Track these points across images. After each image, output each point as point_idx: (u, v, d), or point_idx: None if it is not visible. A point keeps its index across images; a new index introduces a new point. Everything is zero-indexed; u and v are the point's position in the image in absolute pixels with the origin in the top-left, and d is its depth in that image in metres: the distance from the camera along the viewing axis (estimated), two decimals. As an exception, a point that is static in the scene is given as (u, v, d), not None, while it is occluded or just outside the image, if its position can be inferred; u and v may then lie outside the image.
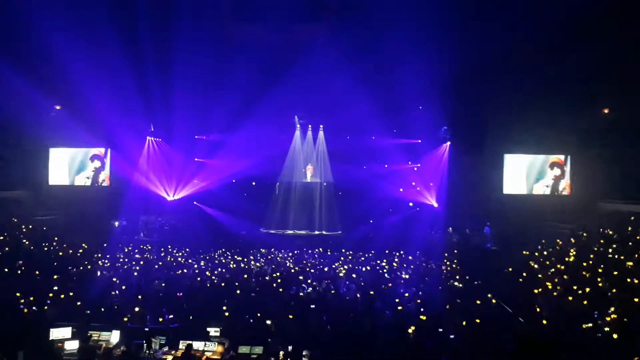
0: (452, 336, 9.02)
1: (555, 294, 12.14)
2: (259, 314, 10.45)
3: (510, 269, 15.60)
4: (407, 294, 12.72)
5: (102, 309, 10.86)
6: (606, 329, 9.01)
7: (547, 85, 19.19)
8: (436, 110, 21.03)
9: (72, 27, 17.27)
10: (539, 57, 18.61)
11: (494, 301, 11.32)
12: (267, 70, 20.13)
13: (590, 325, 9.31)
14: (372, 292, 12.62)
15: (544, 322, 9.98)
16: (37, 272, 13.79)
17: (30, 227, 18.98)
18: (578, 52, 17.40)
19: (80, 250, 17.42)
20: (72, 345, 8.67)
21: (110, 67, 19.28)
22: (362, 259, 18.50)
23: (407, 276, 15.11)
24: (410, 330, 9.39)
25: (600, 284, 12.40)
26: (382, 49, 19.03)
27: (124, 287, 12.49)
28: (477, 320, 9.71)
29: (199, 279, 14.26)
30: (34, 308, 10.61)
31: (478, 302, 11.36)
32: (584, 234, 17.73)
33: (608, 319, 9.54)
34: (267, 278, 14.50)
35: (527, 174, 22.46)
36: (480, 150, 21.42)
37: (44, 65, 18.28)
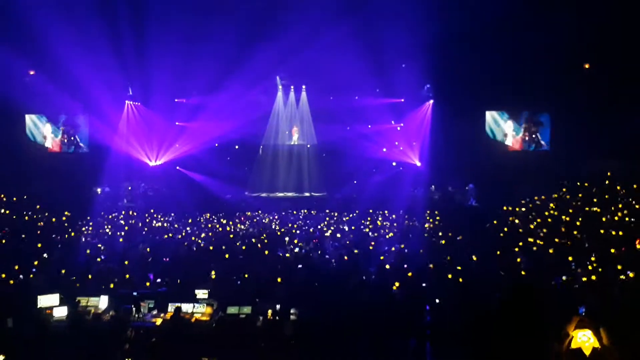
0: (434, 293, 9.24)
1: (534, 248, 12.50)
2: (246, 275, 10.59)
3: (495, 222, 15.96)
4: (392, 249, 12.99)
5: (89, 276, 10.88)
6: (583, 279, 9.34)
7: (529, 42, 19.11)
8: (419, 69, 20.85)
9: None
10: (521, 13, 18.45)
11: (474, 258, 11.59)
12: (247, 30, 19.63)
13: (567, 278, 9.61)
14: (356, 251, 12.85)
15: (523, 273, 10.30)
16: (20, 241, 13.70)
17: (14, 198, 18.71)
18: (561, 8, 17.32)
19: (64, 218, 17.30)
20: (61, 312, 8.72)
21: (86, 29, 18.62)
22: (347, 218, 18.72)
23: (391, 234, 15.37)
24: (394, 287, 9.61)
25: (578, 237, 12.78)
26: (365, 7, 18.67)
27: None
28: (460, 279, 9.94)
29: (185, 243, 14.33)
30: (20, 276, 10.60)
31: (462, 259, 11.62)
32: (564, 189, 18.12)
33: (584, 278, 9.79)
34: (253, 240, 14.63)
35: (507, 130, 22.70)
36: (462, 107, 21.44)
37: (17, 28, 17.58)
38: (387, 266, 11.33)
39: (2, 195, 18.63)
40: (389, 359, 7.48)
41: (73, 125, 23.24)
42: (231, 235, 15.06)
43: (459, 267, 10.88)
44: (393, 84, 22.09)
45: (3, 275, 10.48)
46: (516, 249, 12.45)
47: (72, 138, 23.19)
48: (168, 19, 18.94)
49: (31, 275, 10.69)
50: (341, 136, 22.88)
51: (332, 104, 23.59)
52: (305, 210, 20.75)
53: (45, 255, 12.38)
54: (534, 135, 22.57)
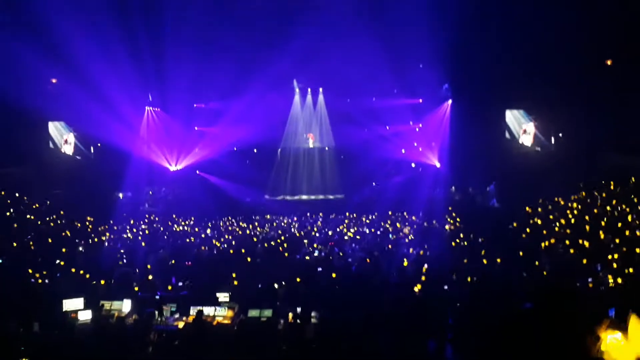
0: (455, 295, 9.14)
1: (561, 247, 12.25)
2: (266, 278, 10.61)
3: (515, 224, 15.70)
4: (412, 251, 12.90)
5: (112, 280, 11.03)
6: (610, 280, 9.13)
7: (547, 39, 18.83)
8: (437, 68, 20.69)
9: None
10: (539, 11, 18.20)
11: (498, 260, 11.41)
12: (263, 36, 19.76)
13: (593, 279, 9.40)
14: (376, 253, 12.77)
15: (544, 273, 10.12)
16: (45, 246, 13.94)
17: (36, 205, 19.07)
18: (579, 5, 17.07)
19: (87, 223, 17.57)
20: (85, 316, 8.83)
21: (105, 38, 18.95)
22: (367, 220, 18.64)
23: (412, 237, 15.25)
24: (416, 289, 9.53)
25: (602, 237, 12.49)
26: (381, 9, 18.63)
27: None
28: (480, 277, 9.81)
29: (203, 247, 14.41)
30: (45, 281, 10.78)
31: (484, 261, 11.47)
32: (586, 188, 17.77)
33: (610, 278, 9.57)
34: (272, 243, 14.66)
35: (527, 128, 22.37)
36: (481, 106, 21.17)
37: (39, 38, 17.95)
38: (405, 263, 11.27)
39: (26, 199, 18.99)
40: (410, 362, 7.41)
41: (95, 131, 23.54)
42: (255, 239, 15.12)
43: (481, 269, 10.73)
44: (411, 84, 21.98)
45: (37, 275, 10.69)
46: (539, 251, 12.24)
47: (96, 145, 23.54)
48: (186, 26, 19.15)
49: (55, 280, 10.87)
50: (359, 138, 22.82)
51: (350, 106, 23.57)
52: (321, 213, 20.72)
53: (69, 259, 12.57)
54: (551, 133, 22.15)
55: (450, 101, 22.74)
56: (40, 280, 10.83)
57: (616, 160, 19.04)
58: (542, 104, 21.98)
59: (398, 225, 17.46)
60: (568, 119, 21.23)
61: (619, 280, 9.04)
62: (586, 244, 12.00)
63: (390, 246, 13.91)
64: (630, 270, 9.48)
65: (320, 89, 24.58)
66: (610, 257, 10.58)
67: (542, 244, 12.74)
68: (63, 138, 23.53)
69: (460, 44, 19.07)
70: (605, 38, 18.28)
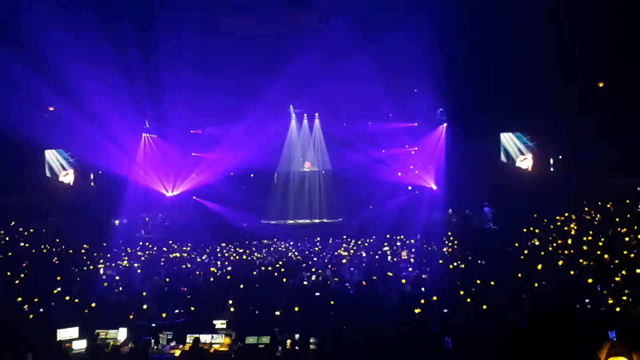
0: (455, 318, 9.06)
1: (559, 264, 12.20)
2: (263, 304, 10.49)
3: (516, 245, 15.67)
4: (410, 274, 12.82)
5: (107, 308, 10.87)
6: (610, 301, 9.07)
7: (540, 62, 19.13)
8: (431, 93, 20.95)
9: (63, 28, 17.18)
10: (532, 36, 18.55)
11: (492, 283, 11.33)
12: (259, 61, 20.01)
13: (593, 301, 9.34)
14: (375, 278, 12.67)
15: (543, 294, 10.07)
16: (39, 274, 13.79)
17: (31, 230, 18.95)
18: (572, 29, 17.41)
19: (82, 251, 17.43)
20: (80, 345, 8.70)
21: (102, 65, 19.15)
22: (366, 244, 18.55)
23: (411, 260, 15.16)
24: (416, 311, 9.44)
25: (602, 257, 12.45)
26: (375, 34, 18.96)
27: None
28: (484, 305, 9.71)
29: (198, 272, 14.27)
30: (40, 310, 10.63)
31: (478, 281, 11.41)
32: (583, 209, 17.80)
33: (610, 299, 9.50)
34: (270, 269, 14.54)
35: (522, 151, 22.54)
36: (476, 130, 21.38)
37: (36, 66, 18.12)
38: (403, 281, 11.19)
39: (20, 227, 18.87)
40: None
41: (91, 159, 23.58)
42: (252, 264, 15.02)
43: (474, 290, 10.66)
44: (406, 108, 22.22)
45: (26, 307, 10.53)
46: (538, 272, 12.17)
47: (92, 172, 23.54)
48: (182, 52, 19.42)
49: (50, 309, 10.70)
50: (355, 161, 22.95)
51: (346, 130, 23.75)
52: (319, 238, 20.62)
53: (64, 288, 12.42)
54: (547, 155, 22.31)
55: (445, 124, 22.95)
56: (33, 310, 10.65)
57: (613, 182, 19.12)
58: (537, 127, 22.20)
59: (396, 248, 17.36)
60: (562, 141, 21.42)
61: (622, 299, 8.98)
62: (592, 263, 11.97)
63: (391, 269, 13.80)
64: (630, 291, 9.43)
65: (317, 114, 24.81)
66: (610, 277, 10.54)
67: (540, 265, 12.67)
68: (59, 166, 23.53)
69: (454, 68, 19.35)
70: (602, 60, 18.60)
